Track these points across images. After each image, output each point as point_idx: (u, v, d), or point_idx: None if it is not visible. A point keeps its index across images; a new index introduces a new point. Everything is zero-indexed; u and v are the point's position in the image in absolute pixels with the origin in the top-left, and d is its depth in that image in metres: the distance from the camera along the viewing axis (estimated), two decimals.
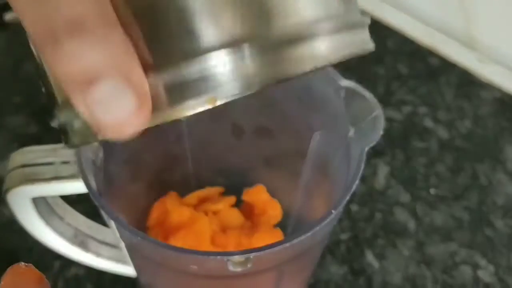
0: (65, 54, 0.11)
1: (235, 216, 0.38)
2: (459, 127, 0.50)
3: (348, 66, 0.56)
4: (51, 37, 0.11)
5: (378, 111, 0.27)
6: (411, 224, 0.43)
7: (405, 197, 0.45)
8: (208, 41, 0.14)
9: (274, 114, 0.35)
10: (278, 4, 0.15)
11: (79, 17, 0.11)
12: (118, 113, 0.12)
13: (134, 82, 0.12)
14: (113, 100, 0.12)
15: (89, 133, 0.15)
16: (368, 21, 0.19)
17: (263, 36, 0.15)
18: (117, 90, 0.12)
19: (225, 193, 0.40)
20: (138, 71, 0.13)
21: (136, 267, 0.33)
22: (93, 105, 0.12)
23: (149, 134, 0.27)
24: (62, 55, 0.12)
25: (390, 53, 0.56)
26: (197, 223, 0.35)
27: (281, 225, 0.39)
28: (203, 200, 0.39)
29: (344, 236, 0.42)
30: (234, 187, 0.39)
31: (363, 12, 0.20)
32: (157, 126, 0.15)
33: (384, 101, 0.51)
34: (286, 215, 0.39)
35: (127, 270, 0.35)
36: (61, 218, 0.32)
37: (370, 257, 0.41)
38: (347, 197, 0.25)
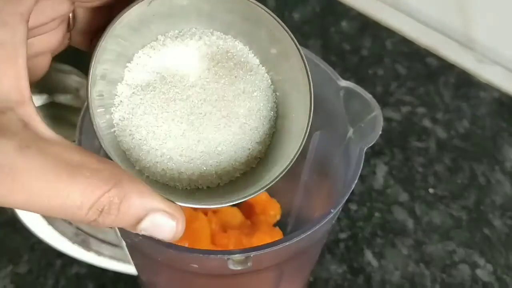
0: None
1: (235, 216, 0.38)
2: (458, 127, 0.50)
3: (347, 67, 0.57)
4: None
5: (377, 111, 0.27)
6: (410, 224, 0.43)
7: (403, 197, 0.45)
8: None
9: None
10: None
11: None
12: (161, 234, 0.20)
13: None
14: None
15: None
16: None
17: None
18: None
19: None
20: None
21: (137, 266, 0.33)
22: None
23: None
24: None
25: (389, 53, 0.56)
26: (196, 222, 0.36)
27: (281, 224, 0.39)
28: None
29: (343, 235, 0.42)
30: None
31: None
32: None
33: (383, 101, 0.52)
34: (285, 214, 0.39)
35: (128, 268, 0.35)
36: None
37: (369, 256, 0.41)
38: (346, 197, 0.25)
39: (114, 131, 0.23)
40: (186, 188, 0.24)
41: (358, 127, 0.28)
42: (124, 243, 0.29)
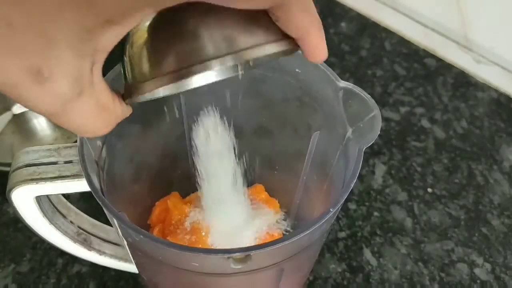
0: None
1: None
2: (456, 127, 0.50)
3: (347, 68, 0.57)
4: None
5: (376, 111, 0.27)
6: (409, 223, 0.43)
7: (402, 196, 0.45)
8: None
9: (273, 114, 0.35)
10: None
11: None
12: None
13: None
14: None
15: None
16: None
17: None
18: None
19: None
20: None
21: (138, 264, 0.33)
22: None
23: (150, 135, 0.27)
24: None
25: (388, 54, 0.56)
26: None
27: None
28: None
29: (342, 234, 0.43)
30: None
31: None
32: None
33: (382, 101, 0.52)
34: (285, 213, 0.39)
35: (129, 267, 0.35)
36: (64, 217, 0.32)
37: (368, 255, 0.41)
38: (345, 196, 0.25)
39: None
40: None
41: (357, 127, 0.28)
42: (125, 242, 0.29)
